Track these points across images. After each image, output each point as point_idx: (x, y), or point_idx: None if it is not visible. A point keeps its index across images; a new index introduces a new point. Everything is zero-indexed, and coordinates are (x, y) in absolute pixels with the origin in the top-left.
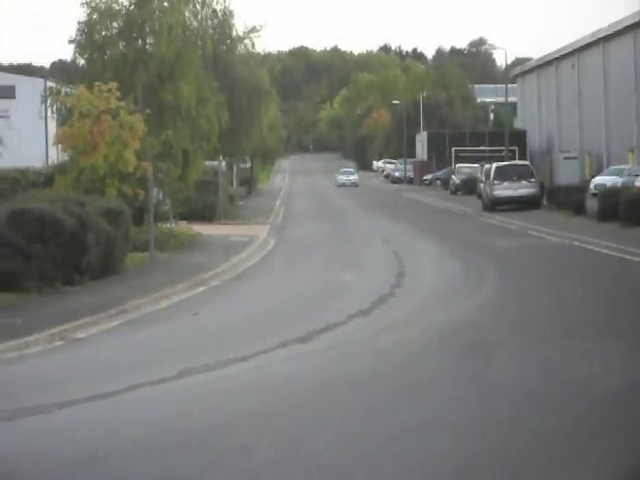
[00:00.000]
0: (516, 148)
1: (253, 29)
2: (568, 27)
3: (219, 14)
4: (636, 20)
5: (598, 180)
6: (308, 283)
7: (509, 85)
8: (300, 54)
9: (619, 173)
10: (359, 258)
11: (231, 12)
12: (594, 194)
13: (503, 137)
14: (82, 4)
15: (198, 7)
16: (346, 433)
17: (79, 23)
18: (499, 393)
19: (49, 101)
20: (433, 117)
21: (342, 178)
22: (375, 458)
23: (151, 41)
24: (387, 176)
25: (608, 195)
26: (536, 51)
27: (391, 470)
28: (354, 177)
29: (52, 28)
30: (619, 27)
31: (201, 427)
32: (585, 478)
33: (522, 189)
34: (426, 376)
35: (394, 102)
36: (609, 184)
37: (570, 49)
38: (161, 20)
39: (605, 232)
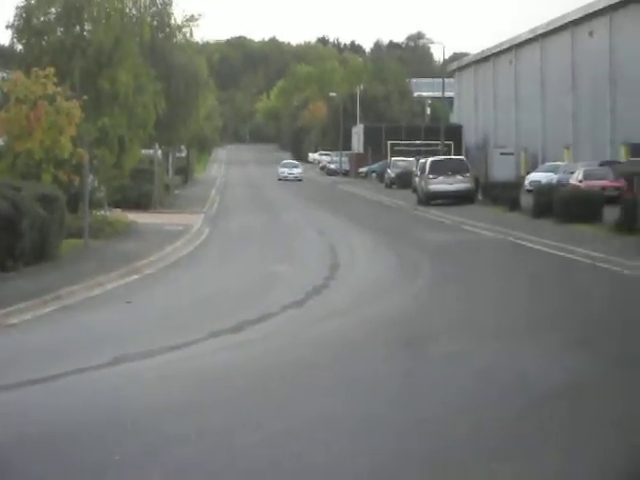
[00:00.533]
0: (452, 143)
1: (192, 18)
2: (506, 23)
3: (158, 2)
4: (574, 18)
5: (533, 176)
6: (242, 273)
7: (446, 80)
8: (238, 44)
9: (554, 170)
10: (294, 249)
11: (170, 0)
12: (529, 190)
13: (439, 132)
14: None
15: None
16: (279, 424)
17: (17, 8)
18: (430, 388)
19: None
20: (370, 110)
21: (284, 171)
22: (307, 450)
23: (89, 27)
24: (323, 168)
25: (543, 192)
26: (474, 46)
27: (323, 462)
28: (298, 170)
29: None
30: (557, 24)
31: (133, 414)
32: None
33: (457, 184)
34: (360, 368)
35: (331, 94)
36: (544, 181)
37: (508, 45)
38: (99, 6)
39: (539, 228)
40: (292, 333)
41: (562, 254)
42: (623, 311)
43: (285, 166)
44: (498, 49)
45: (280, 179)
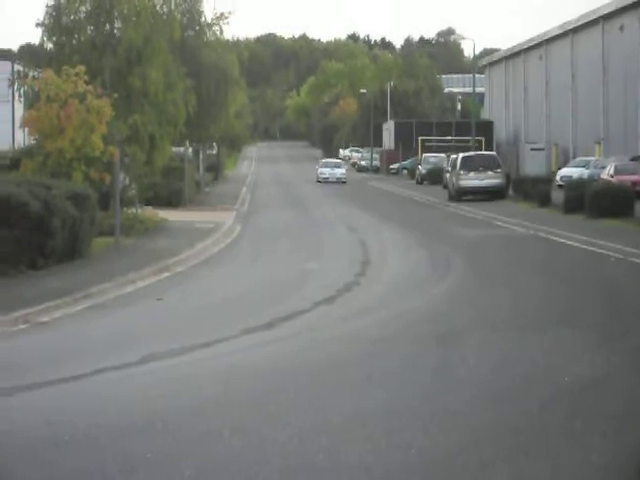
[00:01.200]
0: (483, 138)
1: (222, 15)
2: (537, 18)
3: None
4: (604, 12)
5: (564, 172)
6: (273, 270)
7: (477, 75)
8: (268, 41)
9: (585, 165)
10: (325, 246)
11: None
12: (560, 185)
13: (470, 127)
14: None
15: None
16: (311, 421)
17: (47, 6)
18: (463, 382)
19: (16, 84)
20: (400, 106)
21: (324, 172)
22: (339, 447)
23: (119, 25)
24: (354, 165)
25: (574, 187)
26: (504, 42)
27: (355, 458)
28: (340, 171)
29: (20, 11)
30: (588, 19)
31: (165, 412)
32: (547, 470)
33: (488, 179)
34: (391, 364)
35: (362, 91)
36: (575, 176)
37: (538, 40)
38: (129, 4)
39: (570, 223)
40: (323, 330)
41: (594, 249)
42: None
43: (326, 166)
44: (528, 44)
45: (320, 181)
